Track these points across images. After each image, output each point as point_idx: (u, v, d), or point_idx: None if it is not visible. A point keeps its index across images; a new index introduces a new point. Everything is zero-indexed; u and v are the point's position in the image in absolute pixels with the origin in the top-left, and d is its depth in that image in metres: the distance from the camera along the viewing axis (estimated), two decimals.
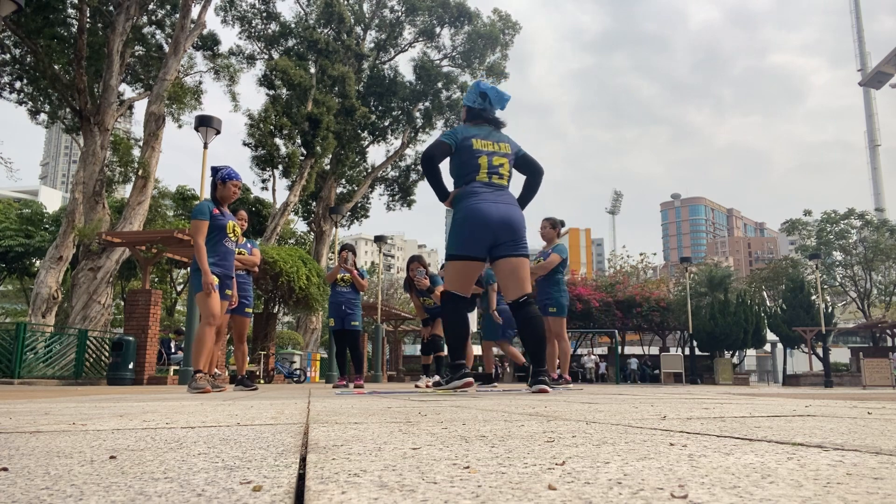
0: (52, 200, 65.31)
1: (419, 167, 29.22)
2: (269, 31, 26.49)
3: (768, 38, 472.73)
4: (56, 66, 17.18)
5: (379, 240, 21.41)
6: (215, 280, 5.08)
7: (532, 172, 4.12)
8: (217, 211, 5.25)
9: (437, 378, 6.49)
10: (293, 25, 26.35)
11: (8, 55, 17.88)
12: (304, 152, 23.39)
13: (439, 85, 28.31)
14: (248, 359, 7.93)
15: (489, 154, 3.83)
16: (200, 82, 22.44)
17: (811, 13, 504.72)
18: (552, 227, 6.61)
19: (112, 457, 0.96)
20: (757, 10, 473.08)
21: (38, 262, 22.25)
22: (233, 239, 5.37)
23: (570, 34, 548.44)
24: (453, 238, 3.69)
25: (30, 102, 19.09)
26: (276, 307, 17.15)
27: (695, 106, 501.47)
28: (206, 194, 7.18)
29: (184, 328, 11.83)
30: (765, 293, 35.72)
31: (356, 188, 28.02)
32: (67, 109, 18.35)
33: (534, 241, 6.68)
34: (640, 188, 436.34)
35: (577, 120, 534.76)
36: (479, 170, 3.76)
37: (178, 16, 17.97)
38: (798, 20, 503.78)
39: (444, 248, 3.62)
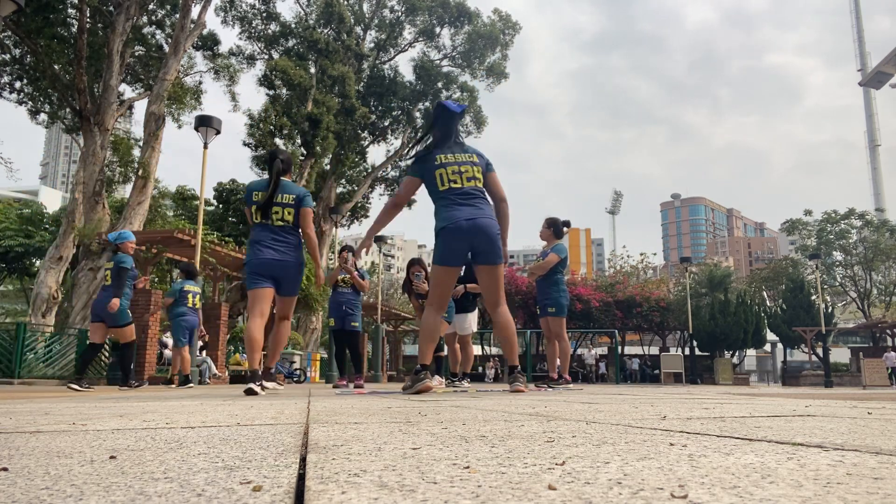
0: (52, 200, 65.28)
1: None
2: (269, 31, 26.46)
3: (765, 38, 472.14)
4: (56, 66, 17.16)
5: (379, 240, 21.41)
6: None
7: None
8: None
9: (438, 378, 6.50)
10: (293, 25, 26.33)
11: (8, 55, 17.86)
12: (304, 152, 23.37)
13: (439, 85, 28.29)
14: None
15: None
16: (200, 82, 22.42)
17: (808, 13, 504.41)
18: (548, 227, 6.67)
19: (112, 457, 0.96)
20: (754, 10, 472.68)
21: (38, 262, 22.22)
22: None
23: (568, 34, 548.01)
24: None
25: (30, 102, 19.07)
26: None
27: (693, 106, 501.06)
28: (207, 194, 7.15)
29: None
30: (765, 293, 35.75)
31: (356, 188, 27.99)
32: (67, 109, 18.34)
33: (535, 241, 6.71)
34: (639, 188, 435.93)
35: (575, 120, 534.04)
36: None
37: (178, 16, 17.96)
38: (795, 20, 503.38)
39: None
